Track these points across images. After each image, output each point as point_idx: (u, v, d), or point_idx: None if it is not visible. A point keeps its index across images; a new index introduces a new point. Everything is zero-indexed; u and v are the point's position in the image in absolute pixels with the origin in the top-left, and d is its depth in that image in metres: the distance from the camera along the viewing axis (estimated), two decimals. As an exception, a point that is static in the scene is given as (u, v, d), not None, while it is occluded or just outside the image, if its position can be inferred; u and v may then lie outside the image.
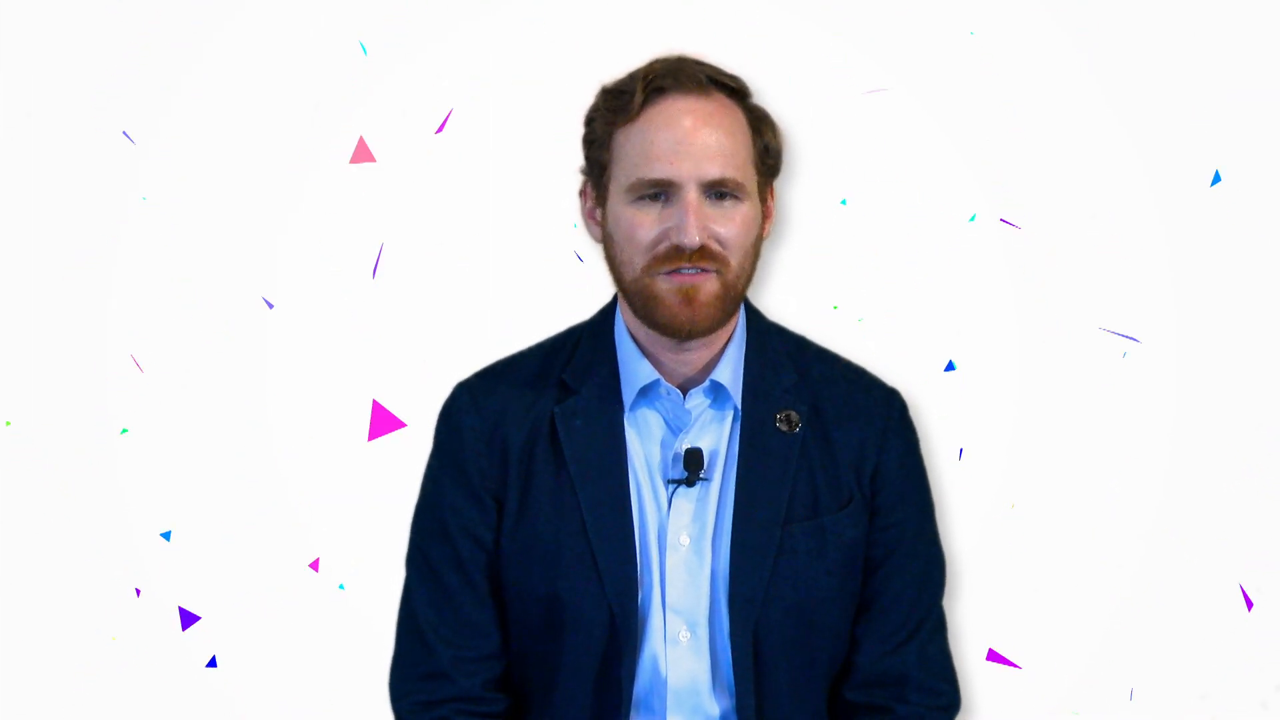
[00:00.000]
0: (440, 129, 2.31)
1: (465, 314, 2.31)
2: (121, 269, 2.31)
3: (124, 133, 2.30)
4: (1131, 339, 2.26)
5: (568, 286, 2.27)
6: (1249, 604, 2.28)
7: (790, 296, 2.22)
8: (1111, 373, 2.31)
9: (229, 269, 2.32)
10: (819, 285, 2.31)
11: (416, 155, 2.31)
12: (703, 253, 1.77)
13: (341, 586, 2.32)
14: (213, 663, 2.32)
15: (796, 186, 2.22)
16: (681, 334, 1.81)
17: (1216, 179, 2.24)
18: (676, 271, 1.78)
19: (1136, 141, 2.30)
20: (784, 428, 1.87)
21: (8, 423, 2.24)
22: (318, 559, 2.32)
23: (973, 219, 2.31)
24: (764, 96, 1.87)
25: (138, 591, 2.32)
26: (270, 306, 2.32)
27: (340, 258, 2.32)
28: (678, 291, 1.78)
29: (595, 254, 1.92)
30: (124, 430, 2.32)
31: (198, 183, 2.31)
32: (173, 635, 2.32)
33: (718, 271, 1.79)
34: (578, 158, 1.88)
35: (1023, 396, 2.32)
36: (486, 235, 2.32)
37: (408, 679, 1.89)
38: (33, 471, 2.31)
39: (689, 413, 1.86)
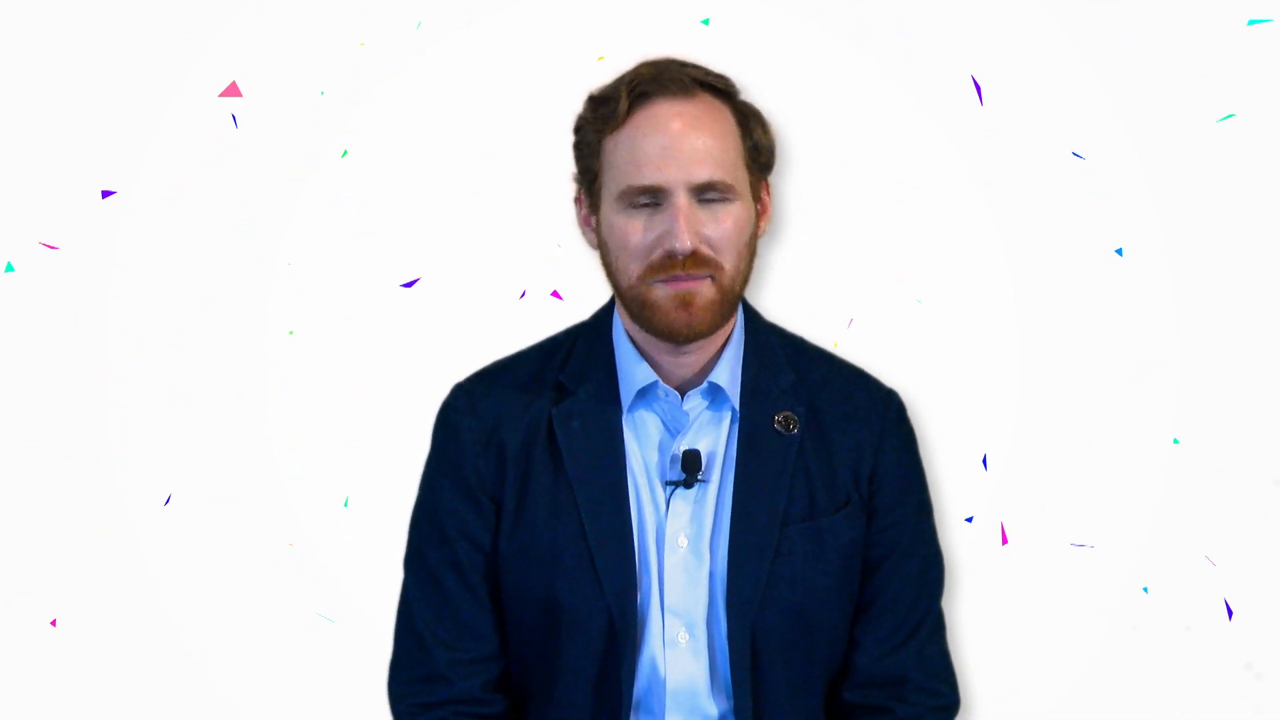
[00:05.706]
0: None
1: (463, 315, 2.30)
2: (119, 266, 2.31)
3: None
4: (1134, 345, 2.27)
5: (565, 287, 2.27)
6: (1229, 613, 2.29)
7: (789, 297, 2.22)
8: (1112, 372, 2.30)
9: (228, 268, 2.31)
10: (818, 286, 2.31)
11: (415, 155, 2.31)
12: (695, 257, 1.77)
13: (339, 587, 2.33)
14: (210, 662, 2.33)
15: (797, 186, 2.22)
16: (679, 339, 1.81)
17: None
18: (673, 279, 1.78)
19: (1136, 139, 2.30)
20: (782, 429, 1.87)
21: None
22: (317, 560, 2.32)
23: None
24: (762, 95, 1.87)
25: (129, 591, 2.32)
26: (269, 308, 2.33)
27: (339, 259, 2.32)
28: (674, 298, 1.78)
29: (585, 266, 1.92)
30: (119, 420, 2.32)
31: (195, 182, 2.31)
32: (169, 635, 2.32)
33: (712, 276, 1.79)
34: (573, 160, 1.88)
35: (1022, 396, 2.32)
36: (486, 234, 2.32)
37: (406, 681, 1.89)
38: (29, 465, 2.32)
39: (687, 414, 1.86)
